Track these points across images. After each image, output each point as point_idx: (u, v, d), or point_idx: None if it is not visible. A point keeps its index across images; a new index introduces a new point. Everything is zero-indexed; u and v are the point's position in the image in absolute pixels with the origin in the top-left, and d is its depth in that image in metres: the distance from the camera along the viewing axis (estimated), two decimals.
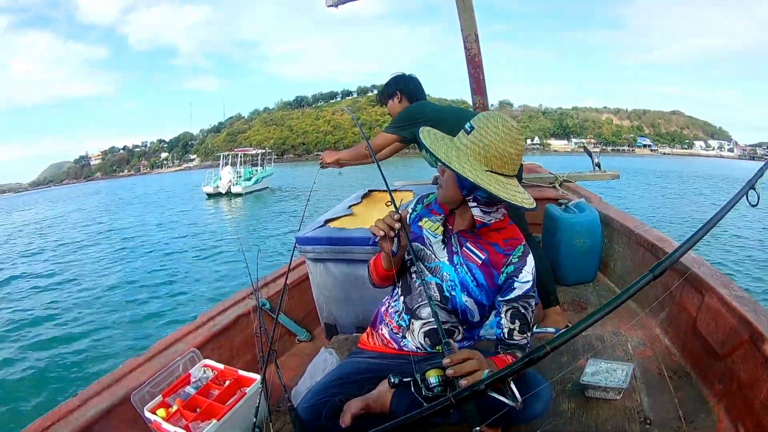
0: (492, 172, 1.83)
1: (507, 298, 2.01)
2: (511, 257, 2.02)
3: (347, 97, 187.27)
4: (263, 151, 57.59)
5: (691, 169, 75.59)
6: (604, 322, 3.29)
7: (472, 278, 2.06)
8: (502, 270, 2.02)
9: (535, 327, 3.14)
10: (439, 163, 1.92)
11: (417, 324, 2.18)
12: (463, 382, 1.61)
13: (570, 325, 3.08)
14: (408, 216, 2.25)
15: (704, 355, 2.79)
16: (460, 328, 2.18)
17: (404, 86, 3.93)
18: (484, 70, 5.80)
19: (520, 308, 2.01)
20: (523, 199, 1.86)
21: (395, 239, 1.97)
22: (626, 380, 2.46)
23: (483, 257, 2.05)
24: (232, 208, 33.63)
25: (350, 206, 3.73)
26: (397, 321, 2.23)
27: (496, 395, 1.45)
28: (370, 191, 4.15)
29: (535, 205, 1.87)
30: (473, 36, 5.66)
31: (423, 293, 2.12)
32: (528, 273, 2.02)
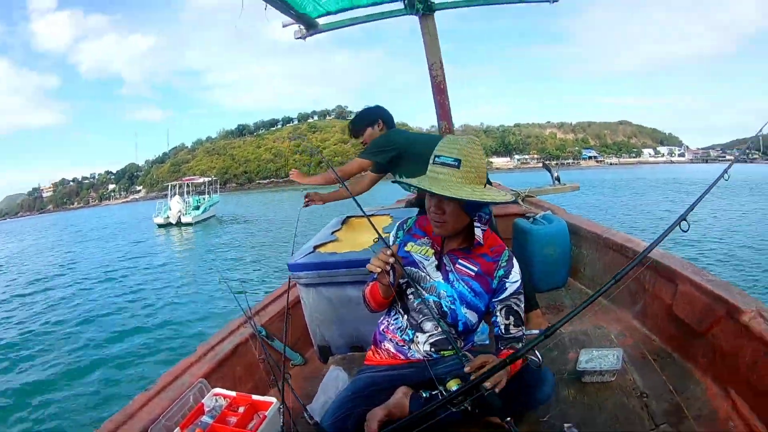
0: (487, 184, 2.18)
1: (500, 298, 2.29)
2: (500, 262, 2.31)
3: (288, 124, 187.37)
4: (210, 179, 57.04)
5: (637, 175, 78.31)
6: (583, 320, 3.66)
7: (469, 290, 2.29)
8: (495, 275, 2.30)
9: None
10: (445, 200, 2.14)
11: (422, 337, 2.36)
12: (488, 384, 1.78)
13: (550, 326, 3.34)
14: (395, 242, 2.45)
15: (684, 336, 3.07)
16: (459, 337, 2.39)
17: (383, 114, 4.17)
18: (448, 95, 6.01)
19: (513, 305, 2.29)
20: (505, 197, 2.21)
21: (391, 272, 2.13)
22: (618, 362, 2.77)
23: (476, 269, 2.30)
24: (183, 239, 33.09)
25: (333, 232, 3.87)
26: (401, 336, 2.40)
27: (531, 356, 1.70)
28: (348, 217, 4.30)
29: (512, 197, 2.16)
30: (438, 63, 5.87)
31: (423, 310, 2.33)
32: (516, 273, 2.31)
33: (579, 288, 4.67)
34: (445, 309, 2.30)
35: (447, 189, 2.07)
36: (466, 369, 1.91)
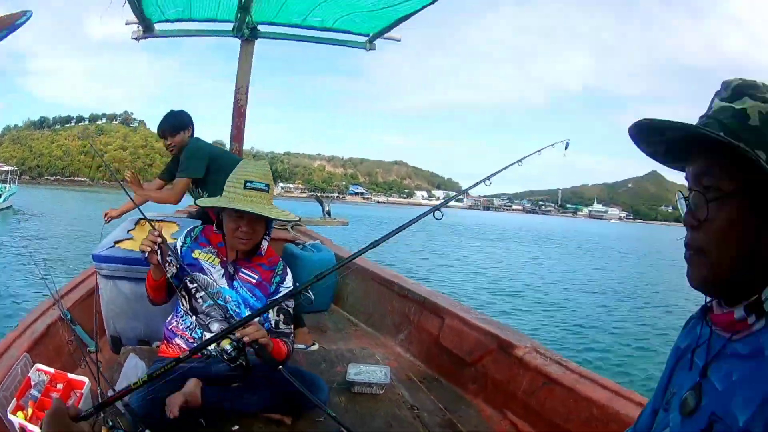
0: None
1: (274, 298, 2.64)
2: (277, 270, 2.74)
3: (80, 123, 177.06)
4: (12, 168, 53.16)
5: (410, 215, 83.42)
6: (348, 341, 4.12)
7: (251, 295, 2.66)
8: (272, 281, 2.71)
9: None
10: (255, 220, 2.56)
11: (208, 336, 2.60)
12: (249, 330, 2.22)
13: (315, 343, 3.80)
14: (180, 248, 2.73)
15: (451, 364, 3.50)
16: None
17: (192, 121, 4.28)
18: (245, 120, 6.22)
19: (284, 306, 2.64)
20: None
21: (159, 252, 2.46)
22: (387, 378, 3.07)
23: (256, 277, 2.68)
24: None
25: (128, 231, 3.98)
26: (191, 334, 2.66)
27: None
28: (141, 219, 4.43)
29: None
30: (245, 88, 6.08)
31: (211, 313, 2.65)
32: (289, 280, 2.75)
33: (341, 313, 5.07)
34: (231, 312, 2.57)
35: (269, 211, 2.53)
36: (237, 335, 2.23)
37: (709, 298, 0.97)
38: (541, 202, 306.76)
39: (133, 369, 2.79)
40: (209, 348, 2.54)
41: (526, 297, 16.82)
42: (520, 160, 2.50)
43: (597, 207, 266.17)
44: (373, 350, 3.83)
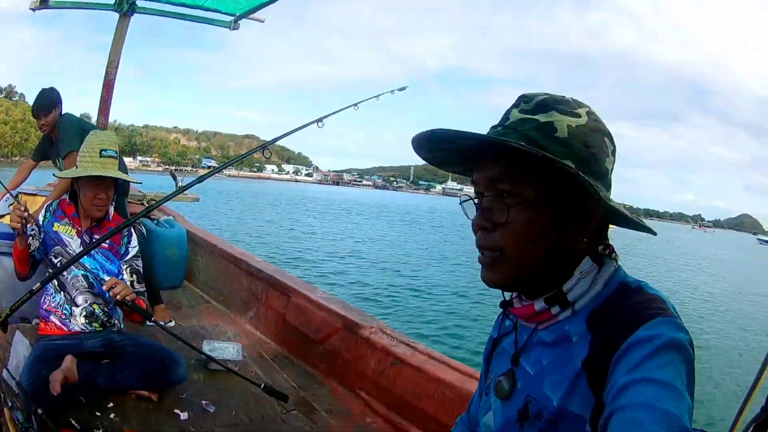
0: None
1: (125, 259, 2.91)
2: (125, 233, 2.92)
3: None
4: None
5: (265, 190, 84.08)
6: (201, 318, 4.14)
7: (107, 260, 2.84)
8: (121, 242, 2.92)
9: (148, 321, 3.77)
10: (104, 186, 2.76)
11: (77, 310, 2.78)
12: (117, 289, 2.46)
13: (172, 320, 3.80)
14: (43, 223, 2.82)
15: (300, 342, 3.60)
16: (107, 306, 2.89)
17: (60, 97, 4.19)
18: (113, 94, 6.04)
19: (134, 265, 2.92)
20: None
21: (25, 223, 2.50)
22: (239, 354, 3.19)
23: (108, 242, 2.80)
24: None
25: (9, 206, 3.82)
26: (62, 311, 2.77)
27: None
28: (19, 193, 4.21)
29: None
30: (115, 62, 5.87)
31: (76, 284, 2.79)
32: (135, 240, 3.00)
33: (193, 290, 5.09)
34: (92, 280, 2.77)
35: (124, 176, 2.73)
36: (104, 287, 2.53)
37: (508, 294, 1.04)
38: (392, 179, 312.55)
39: (21, 347, 2.81)
40: (82, 322, 2.73)
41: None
42: (356, 104, 2.68)
43: (451, 184, 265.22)
44: (225, 327, 3.91)
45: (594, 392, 0.82)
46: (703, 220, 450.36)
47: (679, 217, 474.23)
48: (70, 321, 2.76)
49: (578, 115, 0.92)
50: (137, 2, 5.67)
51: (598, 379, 0.81)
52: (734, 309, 18.33)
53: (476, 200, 0.98)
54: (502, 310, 1.10)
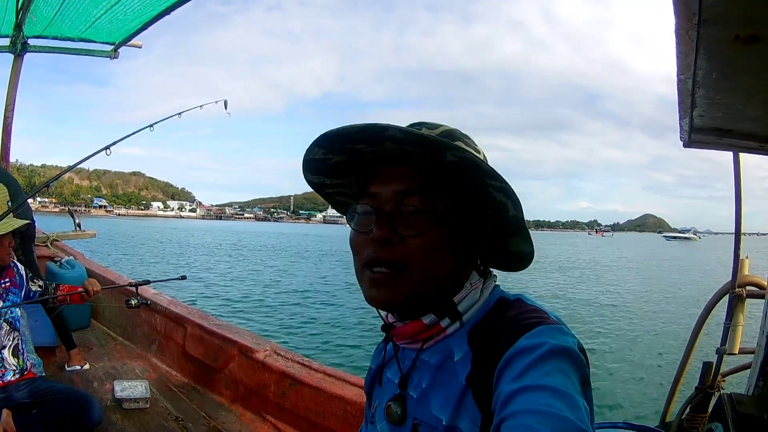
0: None
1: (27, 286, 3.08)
2: (24, 278, 3.06)
3: None
4: None
5: (149, 230, 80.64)
6: (111, 356, 4.22)
7: (14, 295, 2.97)
8: (16, 275, 3.03)
9: (66, 366, 3.81)
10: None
11: (5, 352, 2.86)
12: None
13: (87, 363, 3.86)
14: None
15: (203, 372, 3.70)
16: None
17: None
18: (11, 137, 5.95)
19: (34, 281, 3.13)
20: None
21: None
22: (147, 392, 3.30)
23: (8, 279, 2.97)
24: None
25: None
26: None
27: None
28: None
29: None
30: (12, 105, 5.86)
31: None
32: (21, 267, 3.12)
33: (101, 328, 5.15)
34: (12, 321, 2.90)
35: (18, 223, 2.93)
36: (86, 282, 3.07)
37: (386, 314, 0.99)
38: (273, 209, 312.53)
39: None
40: (13, 363, 2.83)
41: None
42: (180, 113, 3.00)
43: (332, 212, 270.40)
44: (133, 364, 4.02)
45: (480, 407, 0.82)
46: (600, 225, 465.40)
47: (573, 225, 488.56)
48: (4, 368, 2.83)
49: (478, 152, 0.94)
50: (29, 41, 5.67)
51: (483, 394, 0.81)
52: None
53: (374, 212, 0.91)
54: (380, 343, 1.10)
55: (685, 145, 2.00)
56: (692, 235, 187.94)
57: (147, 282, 3.48)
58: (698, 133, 1.84)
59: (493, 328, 0.86)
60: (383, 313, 0.99)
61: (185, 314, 4.04)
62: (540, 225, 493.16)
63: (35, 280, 3.11)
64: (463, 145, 0.90)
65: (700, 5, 0.93)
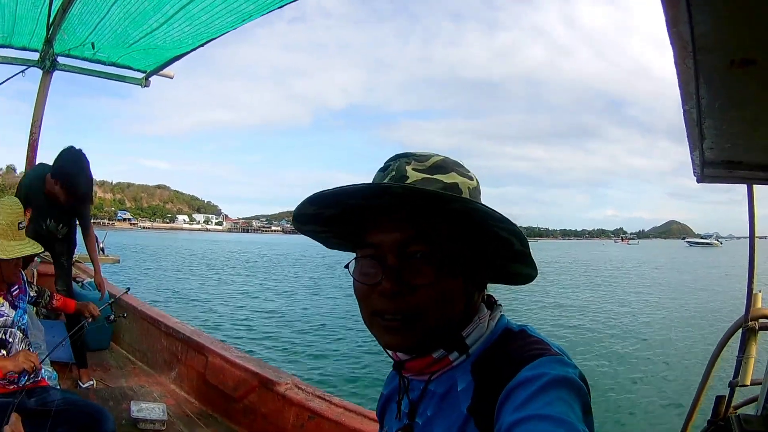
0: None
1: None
2: (25, 283, 3.15)
3: None
4: None
5: (174, 243, 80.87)
6: (129, 378, 4.32)
7: (24, 303, 3.07)
8: (28, 297, 3.14)
9: (80, 383, 3.90)
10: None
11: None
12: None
13: (93, 380, 3.94)
14: None
15: (221, 400, 3.75)
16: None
17: None
18: (37, 153, 6.07)
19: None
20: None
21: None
22: (164, 414, 3.36)
23: (17, 289, 3.04)
24: None
25: None
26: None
27: None
28: None
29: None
30: (39, 121, 5.99)
31: (7, 342, 2.90)
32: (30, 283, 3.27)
33: (120, 351, 5.23)
34: (24, 328, 2.99)
35: (34, 247, 3.01)
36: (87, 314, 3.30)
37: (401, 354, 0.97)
38: None
39: None
40: (23, 380, 2.83)
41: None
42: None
43: None
44: (151, 387, 4.05)
45: None
46: (625, 233, 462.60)
47: (599, 234, 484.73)
48: (19, 376, 2.85)
49: (471, 178, 0.95)
50: (58, 59, 5.77)
51: (485, 423, 0.81)
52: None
53: (377, 262, 0.91)
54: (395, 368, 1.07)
55: (699, 181, 2.00)
56: (714, 241, 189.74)
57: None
58: (710, 167, 1.84)
59: (496, 359, 0.87)
60: (391, 351, 0.98)
61: (207, 344, 4.11)
62: (567, 234, 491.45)
63: (32, 285, 3.24)
64: (458, 176, 0.92)
65: (692, 33, 0.95)
